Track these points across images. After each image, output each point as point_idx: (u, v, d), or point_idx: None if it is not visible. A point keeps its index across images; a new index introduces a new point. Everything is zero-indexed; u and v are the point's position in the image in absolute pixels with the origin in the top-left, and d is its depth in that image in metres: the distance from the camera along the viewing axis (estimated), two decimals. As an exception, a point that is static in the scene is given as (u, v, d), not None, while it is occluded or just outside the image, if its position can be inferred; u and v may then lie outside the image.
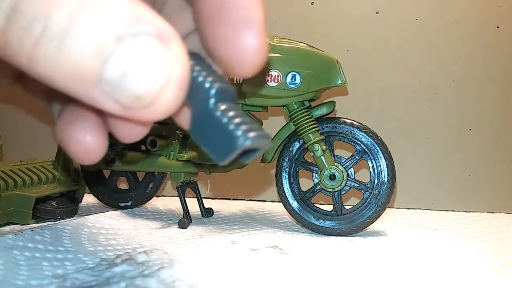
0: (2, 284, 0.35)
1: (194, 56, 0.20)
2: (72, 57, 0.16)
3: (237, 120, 0.18)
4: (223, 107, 0.18)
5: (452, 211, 0.69)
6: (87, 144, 0.20)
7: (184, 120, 0.21)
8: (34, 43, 0.15)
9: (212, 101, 0.18)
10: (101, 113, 0.20)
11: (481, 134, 0.69)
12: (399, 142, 0.68)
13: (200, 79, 0.19)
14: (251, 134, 0.17)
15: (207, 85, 0.18)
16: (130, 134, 0.21)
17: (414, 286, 0.37)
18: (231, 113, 0.18)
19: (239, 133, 0.17)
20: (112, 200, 0.63)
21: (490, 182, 0.69)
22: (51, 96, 0.23)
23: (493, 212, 0.68)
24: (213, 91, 0.18)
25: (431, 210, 0.69)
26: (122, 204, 0.62)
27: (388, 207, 0.63)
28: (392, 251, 0.46)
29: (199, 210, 0.60)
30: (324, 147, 0.52)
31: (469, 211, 0.69)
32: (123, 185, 0.67)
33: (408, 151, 0.69)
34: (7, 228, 0.52)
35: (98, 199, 0.64)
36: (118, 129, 0.20)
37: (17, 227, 0.53)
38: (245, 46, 0.20)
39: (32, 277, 0.36)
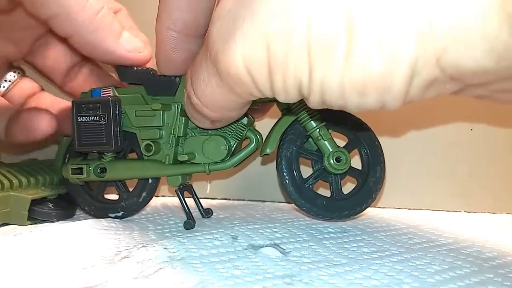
0: (1, 284, 0.35)
1: None
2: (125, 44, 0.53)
3: None
4: None
5: (453, 211, 0.69)
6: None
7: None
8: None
9: None
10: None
11: (481, 134, 0.69)
12: (399, 142, 0.68)
13: None
14: None
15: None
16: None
17: (414, 286, 0.37)
18: None
19: None
20: (102, 211, 0.58)
21: (491, 182, 0.69)
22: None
23: (494, 213, 0.68)
24: None
25: (431, 210, 0.69)
26: (113, 215, 0.57)
27: (388, 207, 0.63)
28: (392, 251, 0.46)
29: (197, 211, 0.60)
30: (326, 133, 0.53)
31: (470, 212, 0.68)
32: (113, 195, 0.63)
33: (407, 151, 0.69)
34: (5, 229, 0.52)
35: (85, 211, 0.59)
36: None
37: (15, 227, 0.53)
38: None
39: (32, 278, 0.36)
